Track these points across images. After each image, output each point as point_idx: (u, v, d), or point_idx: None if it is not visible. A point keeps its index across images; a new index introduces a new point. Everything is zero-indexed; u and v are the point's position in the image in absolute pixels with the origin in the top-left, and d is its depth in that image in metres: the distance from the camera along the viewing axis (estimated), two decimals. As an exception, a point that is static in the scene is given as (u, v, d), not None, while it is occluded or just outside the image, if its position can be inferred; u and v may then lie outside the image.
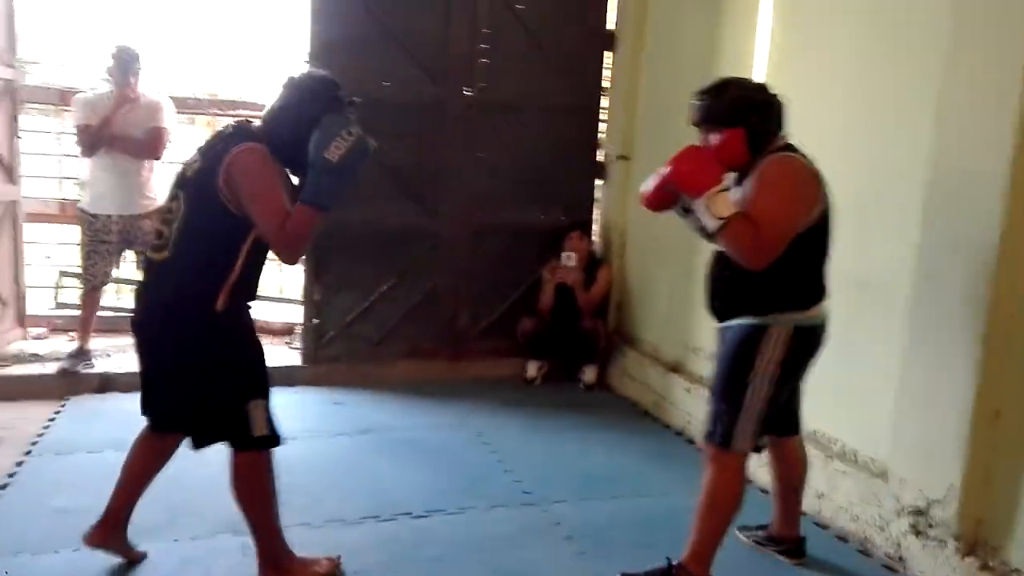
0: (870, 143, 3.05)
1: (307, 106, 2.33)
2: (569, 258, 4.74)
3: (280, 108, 2.38)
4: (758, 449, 2.49)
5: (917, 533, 2.67)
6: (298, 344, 4.91)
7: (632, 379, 4.71)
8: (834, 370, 3.15)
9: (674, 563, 2.47)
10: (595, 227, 5.20)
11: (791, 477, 2.77)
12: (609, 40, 4.96)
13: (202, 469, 3.32)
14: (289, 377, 4.66)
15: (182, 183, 2.39)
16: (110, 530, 2.61)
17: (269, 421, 2.41)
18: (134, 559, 2.66)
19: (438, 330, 4.91)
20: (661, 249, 4.56)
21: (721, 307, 2.51)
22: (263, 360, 2.47)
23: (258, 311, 6.18)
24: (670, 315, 4.48)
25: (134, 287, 2.61)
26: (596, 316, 4.90)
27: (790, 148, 2.41)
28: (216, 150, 2.33)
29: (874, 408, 2.94)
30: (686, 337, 4.30)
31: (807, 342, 2.41)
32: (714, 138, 2.40)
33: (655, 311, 4.66)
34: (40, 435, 3.68)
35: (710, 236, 2.32)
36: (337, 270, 4.70)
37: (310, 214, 2.24)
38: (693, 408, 4.04)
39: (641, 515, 3.16)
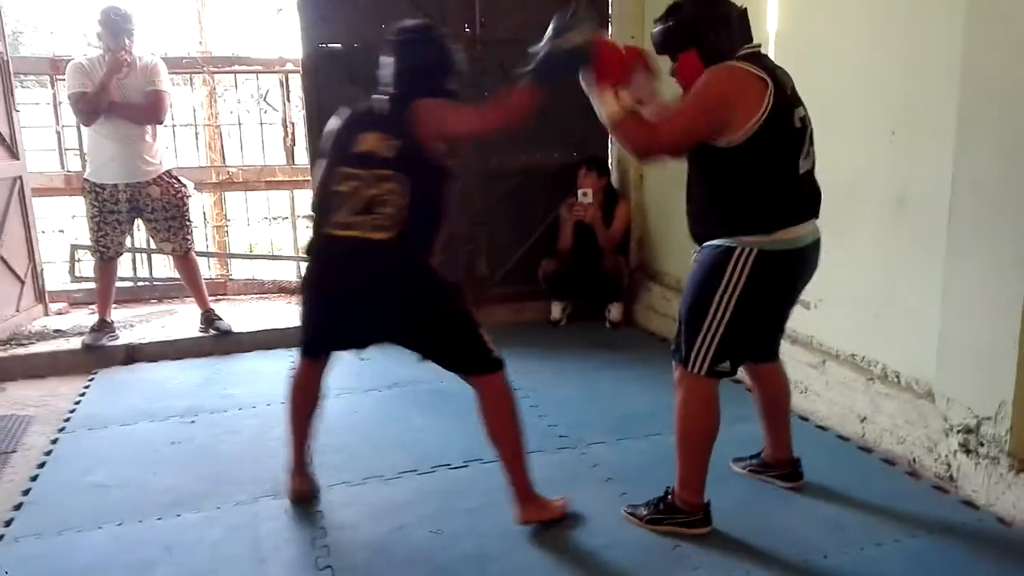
0: (897, 57, 2.90)
1: (419, 53, 2.52)
2: (585, 195, 4.63)
3: (402, 68, 2.51)
4: (722, 374, 2.40)
5: (968, 452, 2.62)
6: (319, 302, 4.86)
7: (658, 313, 4.64)
8: (873, 291, 3.09)
9: (669, 490, 2.52)
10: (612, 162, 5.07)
11: (775, 402, 2.73)
12: (613, -36, 4.76)
13: (234, 437, 3.36)
14: (313, 335, 4.63)
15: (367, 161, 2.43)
16: (305, 478, 2.83)
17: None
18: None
19: (458, 278, 4.84)
20: (678, 180, 4.39)
21: (694, 231, 2.45)
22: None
23: (276, 271, 6.08)
24: (691, 246, 4.38)
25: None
26: (618, 253, 4.82)
27: (749, 58, 2.23)
28: (386, 119, 2.46)
29: (917, 328, 2.86)
30: (712, 267, 4.22)
31: (777, 267, 2.29)
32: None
33: (676, 243, 4.56)
34: (71, 411, 3.67)
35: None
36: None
37: (531, 92, 2.34)
38: (724, 339, 3.98)
39: (681, 451, 3.13)
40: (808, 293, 3.47)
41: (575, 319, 4.88)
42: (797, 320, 3.55)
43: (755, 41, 2.32)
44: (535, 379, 3.94)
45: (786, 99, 2.22)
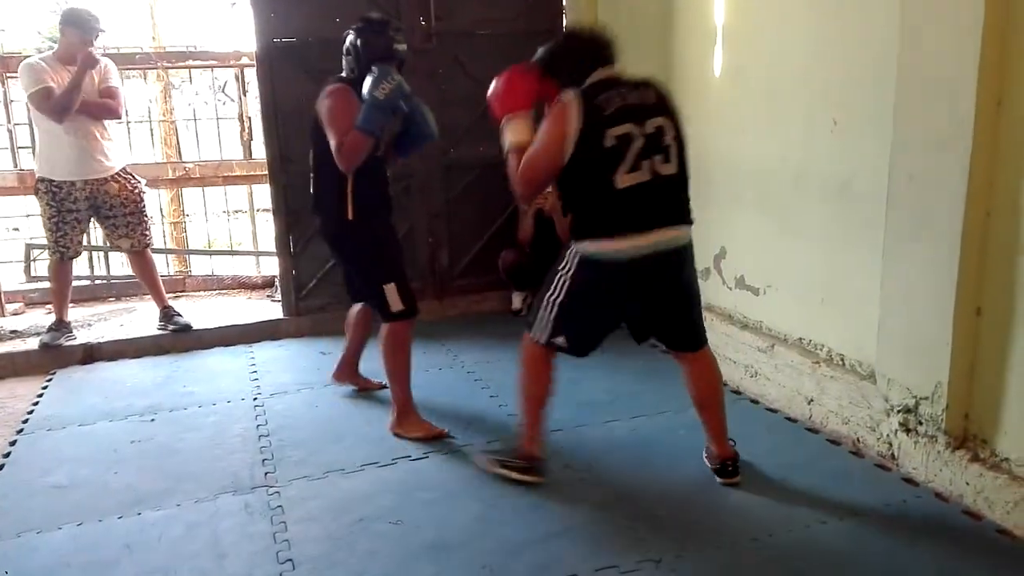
0: (842, 48, 2.98)
1: (361, 43, 3.05)
2: (544, 185, 4.69)
3: (346, 53, 3.11)
4: (557, 348, 2.67)
5: (908, 431, 2.72)
6: (279, 297, 4.87)
7: (617, 302, 4.72)
8: (818, 277, 3.19)
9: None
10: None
11: (697, 399, 2.79)
12: (566, -43, 4.80)
13: (194, 434, 3.37)
14: (274, 331, 4.64)
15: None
16: (348, 370, 3.70)
17: (404, 299, 3.16)
18: (377, 386, 3.70)
19: (420, 270, 4.87)
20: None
21: None
22: (394, 253, 3.27)
23: (235, 266, 6.06)
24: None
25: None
26: (576, 242, 4.87)
27: (590, 87, 2.50)
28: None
29: (859, 313, 2.96)
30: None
31: (597, 273, 2.53)
32: None
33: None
34: (30, 412, 3.65)
35: None
36: (310, 218, 4.60)
37: (359, 137, 2.90)
38: (680, 326, 4.06)
39: (636, 436, 3.20)
40: (756, 279, 3.60)
41: (536, 309, 4.94)
42: (747, 305, 3.67)
43: (613, 65, 2.58)
44: (495, 368, 4.00)
45: (600, 119, 2.43)
